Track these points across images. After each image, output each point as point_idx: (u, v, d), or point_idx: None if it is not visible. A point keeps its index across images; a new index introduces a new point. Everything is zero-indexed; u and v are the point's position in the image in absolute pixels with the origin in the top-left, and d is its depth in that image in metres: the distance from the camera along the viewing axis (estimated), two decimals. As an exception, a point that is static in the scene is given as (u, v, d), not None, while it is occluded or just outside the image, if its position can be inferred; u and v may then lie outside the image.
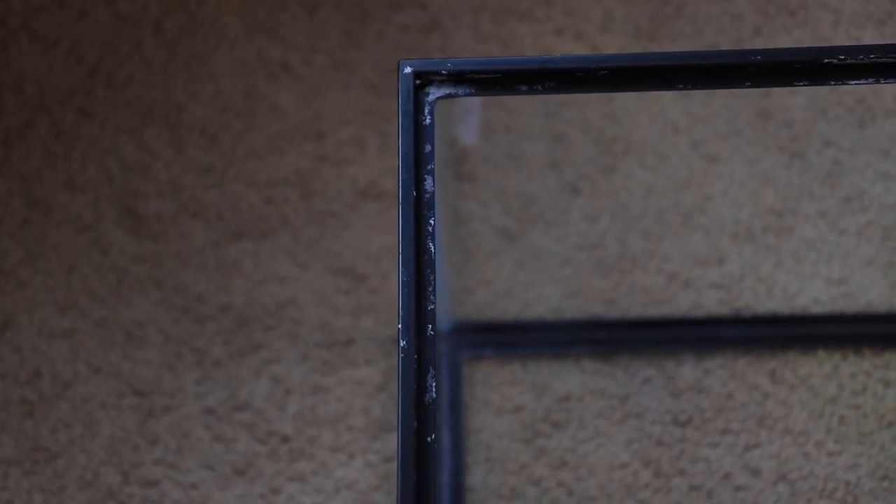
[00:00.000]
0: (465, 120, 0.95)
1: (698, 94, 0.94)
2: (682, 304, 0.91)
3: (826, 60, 0.60)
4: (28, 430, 0.89)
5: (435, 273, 0.60)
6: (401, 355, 0.58)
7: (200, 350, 0.91)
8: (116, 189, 0.95)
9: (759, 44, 0.95)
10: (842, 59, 0.59)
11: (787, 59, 0.60)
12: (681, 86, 0.61)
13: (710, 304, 0.91)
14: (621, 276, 0.92)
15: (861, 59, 0.59)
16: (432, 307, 0.59)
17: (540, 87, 0.62)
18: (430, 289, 0.59)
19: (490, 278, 0.92)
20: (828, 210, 0.92)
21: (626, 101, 0.94)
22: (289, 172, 0.96)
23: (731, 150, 0.93)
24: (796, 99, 0.94)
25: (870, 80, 0.61)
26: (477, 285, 0.92)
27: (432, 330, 0.58)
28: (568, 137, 0.94)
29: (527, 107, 0.95)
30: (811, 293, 0.90)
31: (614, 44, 0.96)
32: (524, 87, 0.62)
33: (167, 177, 0.95)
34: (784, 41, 0.95)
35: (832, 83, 0.61)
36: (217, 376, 0.90)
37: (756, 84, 0.61)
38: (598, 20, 0.97)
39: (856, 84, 0.61)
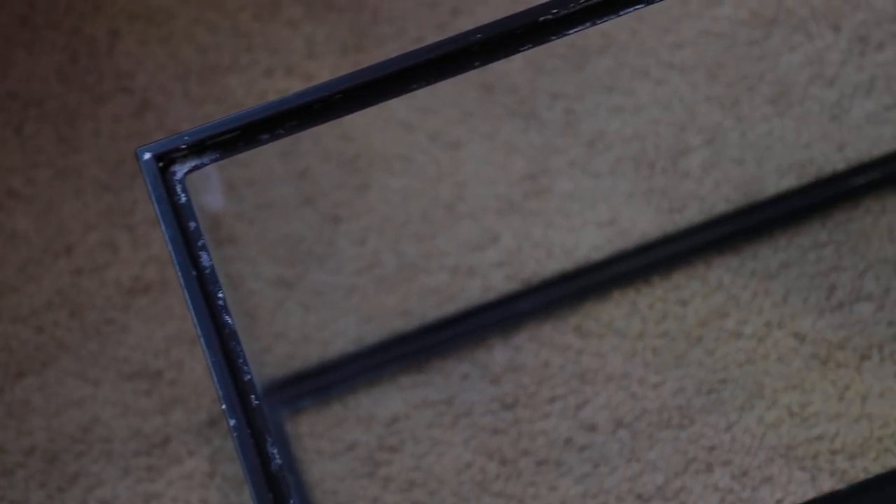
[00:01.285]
0: (206, 187, 0.94)
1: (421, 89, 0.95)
2: (473, 292, 0.92)
3: (542, 19, 0.61)
4: None
5: (240, 343, 0.60)
6: (234, 434, 0.57)
7: (18, 501, 0.87)
8: None
9: (461, 24, 0.97)
10: (556, 13, 0.61)
11: (507, 28, 0.61)
12: (415, 86, 0.63)
13: (499, 283, 0.92)
14: (407, 285, 0.92)
15: (573, 6, 0.61)
16: (249, 377, 0.59)
17: (282, 131, 0.63)
18: (241, 360, 0.59)
19: (282, 330, 0.92)
20: (576, 159, 0.94)
21: (354, 118, 0.95)
22: (50, 295, 0.94)
23: (468, 131, 0.95)
24: (512, 64, 0.96)
25: (586, 24, 0.63)
26: (272, 341, 0.91)
27: (256, 399, 0.59)
28: (311, 170, 0.95)
29: (261, 154, 0.94)
30: (587, 242, 0.93)
31: (325, 66, 0.97)
32: (266, 136, 0.63)
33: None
34: (484, 13, 0.97)
35: (553, 38, 0.63)
36: (41, 522, 0.87)
37: (484, 62, 0.62)
38: (301, 49, 0.98)
39: (575, 32, 0.63)
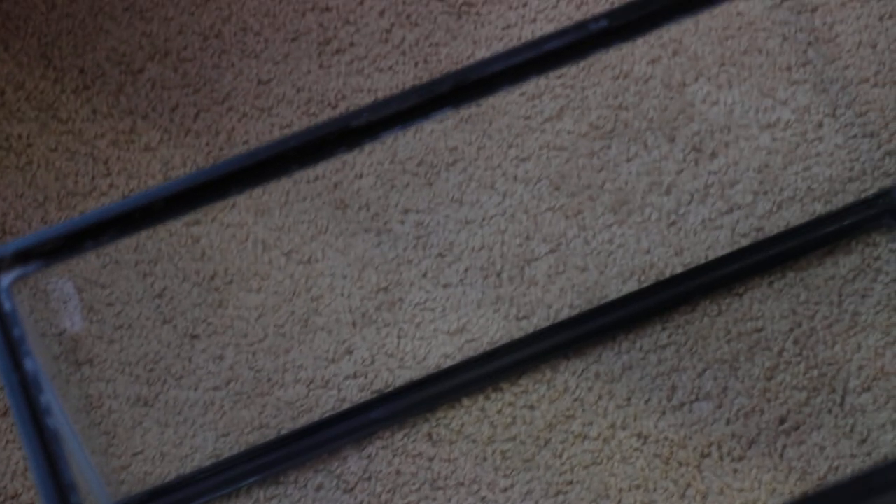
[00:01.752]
0: (65, 309, 0.96)
1: (276, 208, 0.99)
2: (327, 403, 0.94)
3: (354, 124, 0.64)
4: None
5: (62, 446, 0.60)
6: None
7: None
8: None
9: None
10: (367, 119, 0.64)
11: (321, 133, 0.64)
12: (234, 191, 0.64)
13: (353, 394, 0.94)
14: (263, 399, 0.94)
15: (382, 112, 0.64)
16: (70, 481, 0.60)
17: (106, 238, 0.64)
18: (62, 463, 0.60)
19: (140, 448, 0.93)
20: (427, 270, 0.97)
21: (212, 237, 0.98)
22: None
23: (322, 247, 0.98)
24: (365, 181, 1.00)
25: (396, 128, 0.66)
26: (130, 459, 0.93)
27: (75, 498, 0.59)
28: (170, 290, 0.97)
29: (121, 277, 0.97)
30: (438, 351, 0.96)
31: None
32: (91, 243, 0.64)
33: None
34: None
35: (366, 142, 0.65)
36: None
37: (302, 165, 0.65)
38: (159, 173, 1.01)
39: (386, 135, 0.66)
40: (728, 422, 0.92)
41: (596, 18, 0.66)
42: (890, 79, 1.02)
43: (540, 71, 0.66)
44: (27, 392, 0.61)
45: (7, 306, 0.62)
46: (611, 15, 0.65)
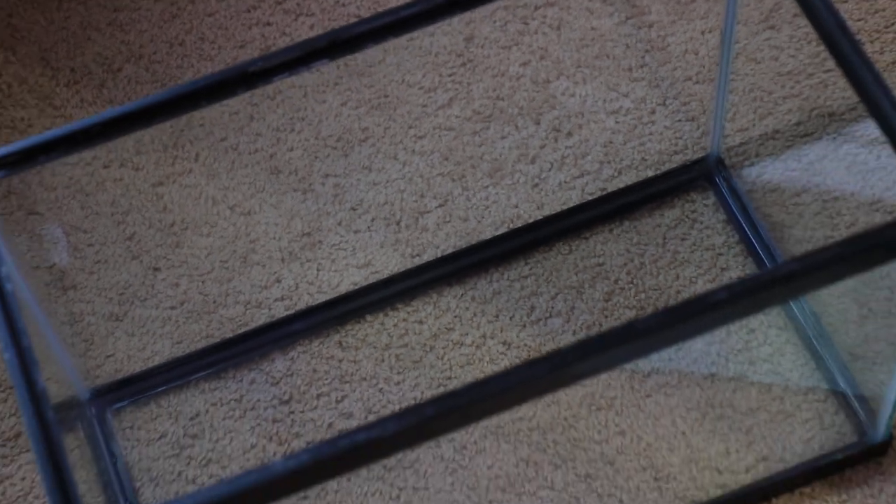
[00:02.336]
0: (55, 248, 1.21)
1: (224, 173, 1.24)
2: (260, 319, 1.17)
3: (251, 69, 0.79)
4: None
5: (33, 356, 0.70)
6: (25, 419, 0.67)
7: None
8: None
9: (256, 126, 1.27)
10: (261, 66, 0.80)
11: (226, 77, 0.80)
12: (158, 121, 0.80)
13: (280, 312, 1.18)
14: (209, 316, 1.18)
15: (273, 62, 0.80)
16: (42, 385, 0.68)
17: (55, 154, 0.80)
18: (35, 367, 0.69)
19: (112, 352, 1.16)
20: (342, 220, 1.22)
21: (173, 195, 1.23)
22: None
23: (259, 203, 1.22)
24: (294, 153, 1.25)
25: (284, 74, 0.81)
26: (103, 360, 1.15)
27: (40, 384, 0.68)
28: (138, 234, 1.20)
29: (100, 224, 1.22)
30: (348, 280, 1.19)
31: (152, 160, 1.25)
32: (43, 158, 0.80)
33: None
34: (274, 119, 1.27)
35: (260, 84, 0.81)
36: None
37: (210, 101, 0.81)
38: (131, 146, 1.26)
39: (277, 79, 0.81)
40: (574, 333, 1.16)
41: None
42: (707, 77, 1.29)
43: (397, 33, 0.87)
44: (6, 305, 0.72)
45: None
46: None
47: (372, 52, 1.31)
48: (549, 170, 1.24)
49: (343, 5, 1.34)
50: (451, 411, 0.70)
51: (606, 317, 1.17)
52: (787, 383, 1.11)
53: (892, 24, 1.28)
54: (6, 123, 1.28)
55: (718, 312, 0.71)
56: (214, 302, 1.18)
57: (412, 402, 1.13)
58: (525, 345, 1.15)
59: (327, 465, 0.68)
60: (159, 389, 1.14)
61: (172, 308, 1.18)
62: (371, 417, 1.12)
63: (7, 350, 0.70)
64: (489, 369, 1.14)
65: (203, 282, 1.19)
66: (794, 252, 1.18)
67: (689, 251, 1.19)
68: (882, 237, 0.73)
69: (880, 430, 1.03)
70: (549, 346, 1.15)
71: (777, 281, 0.72)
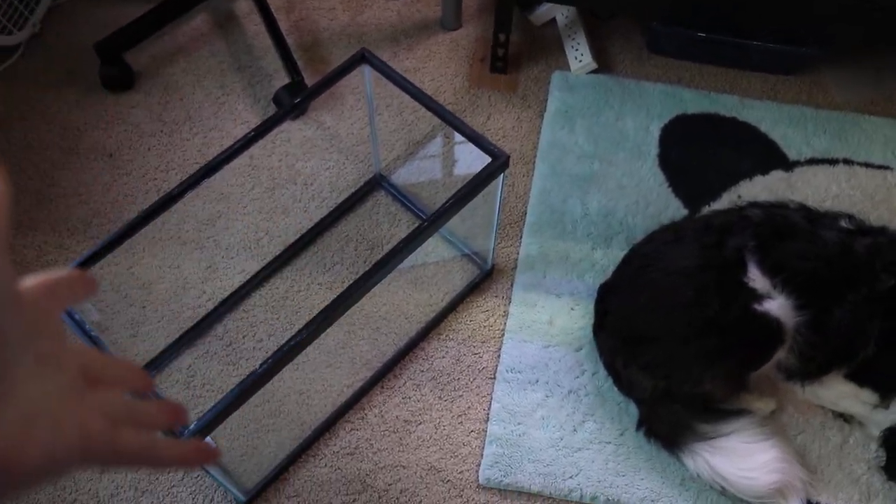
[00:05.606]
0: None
1: (156, 253, 2.47)
2: (205, 308, 2.43)
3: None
4: None
5: None
6: None
7: None
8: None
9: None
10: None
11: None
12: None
13: (210, 305, 2.44)
14: (177, 315, 2.41)
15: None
16: None
17: None
18: None
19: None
20: (223, 254, 2.50)
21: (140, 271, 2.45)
22: None
23: (178, 262, 2.48)
24: (188, 226, 2.51)
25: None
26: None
27: None
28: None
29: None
30: (237, 278, 2.48)
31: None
32: None
33: None
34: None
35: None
36: None
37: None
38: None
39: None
40: (351, 278, 2.51)
41: None
42: (366, 139, 2.68)
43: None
44: None
45: None
46: None
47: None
48: (304, 200, 2.57)
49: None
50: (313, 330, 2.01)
51: (365, 261, 2.50)
52: (444, 260, 2.51)
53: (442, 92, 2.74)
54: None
55: (409, 245, 2.05)
56: (175, 310, 2.41)
57: (291, 325, 2.42)
58: (330, 284, 2.47)
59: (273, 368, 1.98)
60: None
61: (159, 321, 2.40)
62: (273, 338, 2.41)
63: None
64: (317, 302, 2.45)
65: (166, 303, 2.42)
66: (431, 207, 2.59)
67: (381, 218, 2.55)
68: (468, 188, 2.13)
69: (489, 264, 2.46)
70: (340, 287, 2.48)
71: (430, 225, 2.08)
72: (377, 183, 2.40)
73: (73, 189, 2.38)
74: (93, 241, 2.28)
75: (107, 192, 2.39)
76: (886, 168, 2.43)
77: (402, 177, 2.52)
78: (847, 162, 2.45)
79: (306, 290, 2.24)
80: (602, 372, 2.05)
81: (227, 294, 2.24)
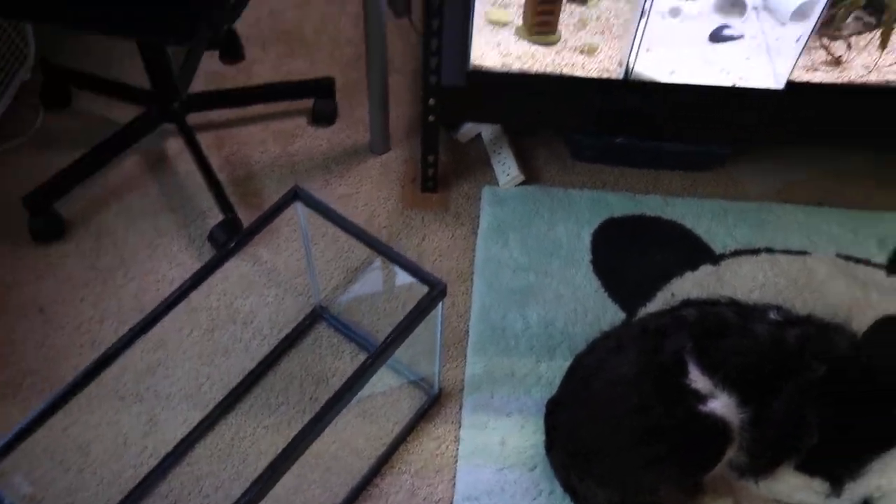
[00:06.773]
0: None
1: (104, 413, 2.44)
2: (162, 452, 2.39)
3: None
4: None
5: None
6: None
7: None
8: None
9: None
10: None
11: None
12: None
13: (162, 451, 2.40)
14: (133, 464, 2.37)
15: None
16: None
17: None
18: None
19: None
20: (164, 405, 2.46)
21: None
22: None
23: (117, 417, 2.44)
24: (127, 378, 2.48)
25: None
26: None
27: None
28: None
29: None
30: (182, 428, 2.44)
31: None
32: None
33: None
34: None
35: None
36: None
37: None
38: None
39: None
40: (298, 419, 2.49)
41: None
42: (303, 271, 2.68)
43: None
44: None
45: None
46: None
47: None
48: (245, 339, 2.56)
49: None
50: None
51: (310, 398, 2.48)
52: (391, 388, 2.50)
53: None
54: None
55: (354, 386, 2.05)
56: (115, 471, 2.35)
57: (238, 476, 2.39)
58: (276, 426, 2.45)
59: None
60: None
61: (98, 484, 2.36)
62: (221, 491, 2.37)
63: None
64: (264, 447, 2.42)
65: (105, 464, 2.37)
66: (374, 334, 2.59)
67: (324, 351, 2.55)
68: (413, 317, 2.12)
69: (436, 388, 2.45)
70: (286, 429, 2.46)
71: (374, 362, 2.08)
72: (318, 315, 2.44)
73: (0, 349, 2.33)
74: (24, 404, 2.23)
75: (38, 349, 2.35)
76: (805, 253, 2.49)
77: (342, 306, 2.53)
78: (769, 250, 2.52)
79: (252, 436, 2.20)
80: (559, 490, 2.04)
81: (170, 448, 2.18)
